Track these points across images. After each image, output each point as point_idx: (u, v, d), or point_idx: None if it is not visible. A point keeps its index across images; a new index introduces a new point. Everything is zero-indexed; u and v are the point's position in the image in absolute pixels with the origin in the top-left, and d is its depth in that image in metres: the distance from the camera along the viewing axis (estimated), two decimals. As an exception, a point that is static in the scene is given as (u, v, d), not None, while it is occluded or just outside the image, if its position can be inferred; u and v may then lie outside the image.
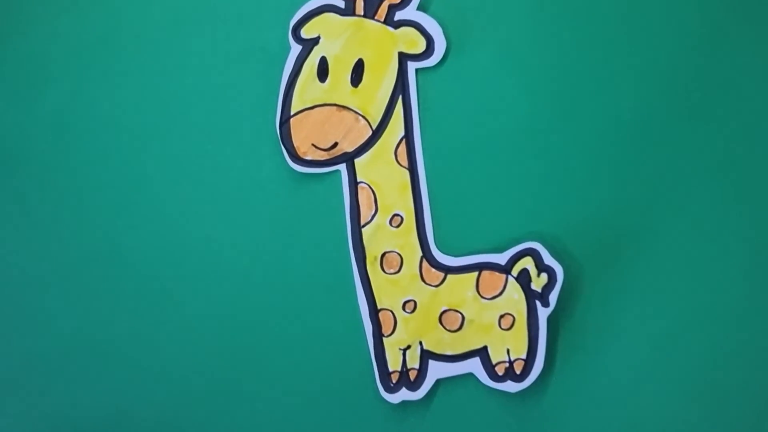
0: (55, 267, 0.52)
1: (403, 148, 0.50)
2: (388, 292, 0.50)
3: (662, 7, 0.50)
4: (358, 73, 0.51)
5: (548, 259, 0.48)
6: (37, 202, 0.52)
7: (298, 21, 0.51)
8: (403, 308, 0.50)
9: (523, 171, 0.50)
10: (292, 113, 0.50)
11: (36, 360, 0.52)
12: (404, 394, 0.49)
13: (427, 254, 0.50)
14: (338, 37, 0.51)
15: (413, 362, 0.49)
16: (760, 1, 0.49)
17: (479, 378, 0.49)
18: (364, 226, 0.50)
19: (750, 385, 0.49)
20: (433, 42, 0.50)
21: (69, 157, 0.52)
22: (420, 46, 0.51)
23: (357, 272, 0.50)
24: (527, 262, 0.48)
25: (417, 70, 0.51)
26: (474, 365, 0.49)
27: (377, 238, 0.50)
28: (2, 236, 0.52)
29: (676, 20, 0.50)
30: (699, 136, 0.49)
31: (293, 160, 0.50)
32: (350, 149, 0.50)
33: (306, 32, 0.51)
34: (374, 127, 0.50)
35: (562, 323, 0.49)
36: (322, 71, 0.51)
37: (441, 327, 0.49)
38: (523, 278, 0.49)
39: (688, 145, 0.49)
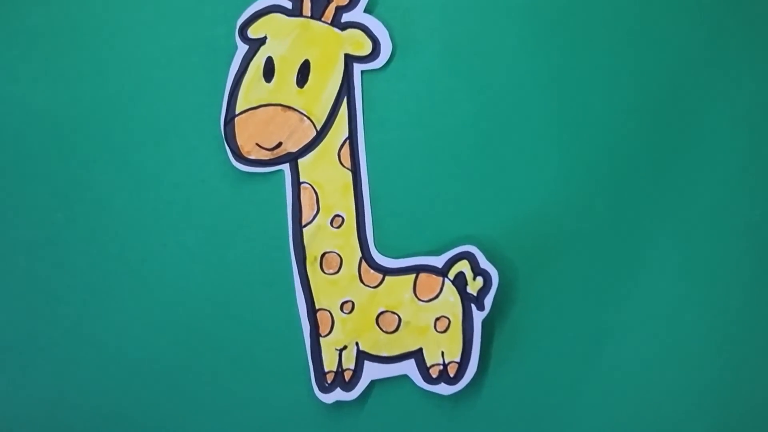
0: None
1: (346, 149, 0.51)
2: (327, 292, 0.50)
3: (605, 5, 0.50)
4: (303, 73, 0.51)
5: (484, 263, 0.48)
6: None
7: (245, 21, 0.51)
8: (341, 309, 0.50)
9: (462, 174, 0.50)
10: (236, 112, 0.51)
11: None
12: (338, 395, 0.49)
13: (366, 255, 0.50)
14: (285, 38, 0.51)
15: (349, 363, 0.50)
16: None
17: (413, 380, 0.49)
18: (305, 226, 0.50)
19: (681, 380, 0.49)
20: (379, 44, 0.51)
21: (8, 153, 0.52)
22: (366, 48, 0.51)
23: (296, 272, 0.50)
24: (463, 266, 0.49)
25: (363, 72, 0.51)
26: (409, 367, 0.49)
27: (318, 238, 0.50)
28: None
29: (625, 16, 0.50)
30: (640, 135, 0.50)
31: (237, 159, 0.50)
32: (294, 149, 0.51)
33: (253, 32, 0.51)
34: (318, 128, 0.51)
35: (497, 327, 0.49)
36: (268, 71, 0.51)
37: (378, 328, 0.50)
38: (459, 281, 0.49)
39: (626, 146, 0.50)
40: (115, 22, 0.52)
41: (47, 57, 0.52)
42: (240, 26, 0.51)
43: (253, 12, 0.51)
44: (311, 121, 0.51)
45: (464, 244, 0.49)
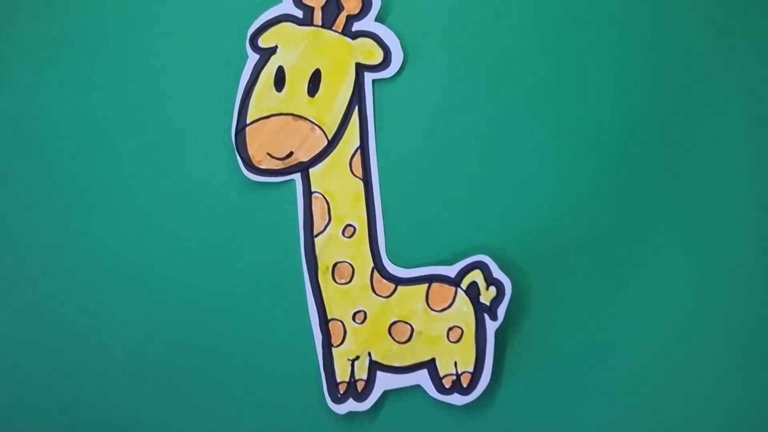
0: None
1: (357, 158, 0.51)
2: (339, 302, 0.50)
3: (618, 15, 0.50)
4: (314, 83, 0.51)
5: (497, 273, 0.48)
6: None
7: (255, 30, 0.51)
8: (353, 319, 0.50)
9: (474, 183, 0.50)
10: (247, 122, 0.50)
11: None
12: (351, 405, 0.49)
13: (378, 265, 0.50)
14: (296, 47, 0.51)
15: (361, 373, 0.49)
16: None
17: (426, 390, 0.49)
18: (317, 235, 0.50)
19: (702, 397, 0.49)
20: (390, 53, 0.51)
21: (22, 160, 0.52)
22: (377, 57, 0.51)
23: (308, 282, 0.50)
24: (476, 275, 0.49)
25: (374, 81, 0.51)
26: (421, 377, 0.49)
27: (329, 248, 0.50)
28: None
29: (631, 21, 0.50)
30: (649, 142, 0.50)
31: (248, 169, 0.50)
32: (305, 159, 0.50)
33: (263, 41, 0.51)
34: (330, 137, 0.51)
35: (510, 337, 0.49)
36: (279, 80, 0.51)
37: (390, 338, 0.49)
38: (472, 291, 0.49)
39: (636, 153, 0.50)
40: (129, 32, 0.52)
41: (63, 67, 0.52)
42: (251, 35, 0.51)
43: (264, 21, 0.51)
44: (322, 131, 0.50)
45: (477, 253, 0.49)
